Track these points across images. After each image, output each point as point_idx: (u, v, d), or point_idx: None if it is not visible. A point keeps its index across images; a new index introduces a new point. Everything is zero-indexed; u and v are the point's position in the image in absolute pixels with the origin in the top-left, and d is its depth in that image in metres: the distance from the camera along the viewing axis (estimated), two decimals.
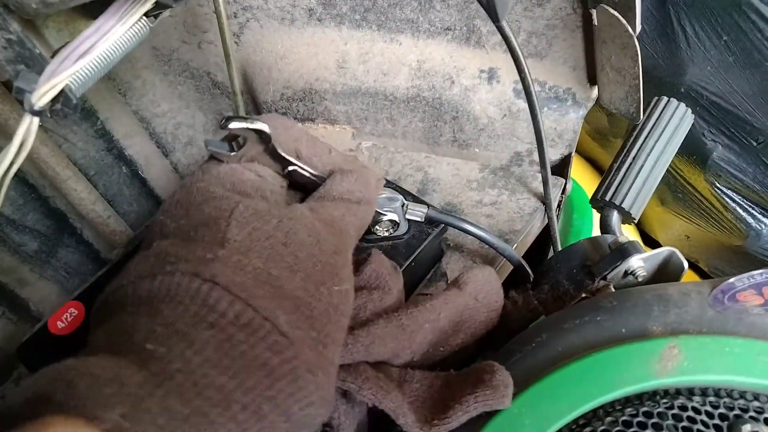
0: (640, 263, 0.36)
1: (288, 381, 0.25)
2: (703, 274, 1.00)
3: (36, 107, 0.26)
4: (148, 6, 0.28)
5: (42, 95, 0.26)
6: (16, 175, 0.55)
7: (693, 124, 0.82)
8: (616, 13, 0.41)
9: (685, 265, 0.35)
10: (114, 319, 0.26)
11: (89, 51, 0.27)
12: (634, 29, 0.41)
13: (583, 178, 1.00)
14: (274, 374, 0.25)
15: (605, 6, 0.42)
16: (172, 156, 0.64)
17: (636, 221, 0.49)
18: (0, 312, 0.54)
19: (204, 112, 0.63)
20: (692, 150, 0.83)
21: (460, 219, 0.42)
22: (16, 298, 0.56)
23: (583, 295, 0.37)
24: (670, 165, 0.86)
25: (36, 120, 0.27)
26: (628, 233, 1.04)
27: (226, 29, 0.50)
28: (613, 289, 0.36)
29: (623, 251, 0.36)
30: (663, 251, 0.36)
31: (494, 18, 0.20)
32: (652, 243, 1.05)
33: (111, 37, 0.27)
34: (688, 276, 1.02)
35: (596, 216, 0.49)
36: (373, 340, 0.33)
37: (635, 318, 0.31)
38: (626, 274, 0.36)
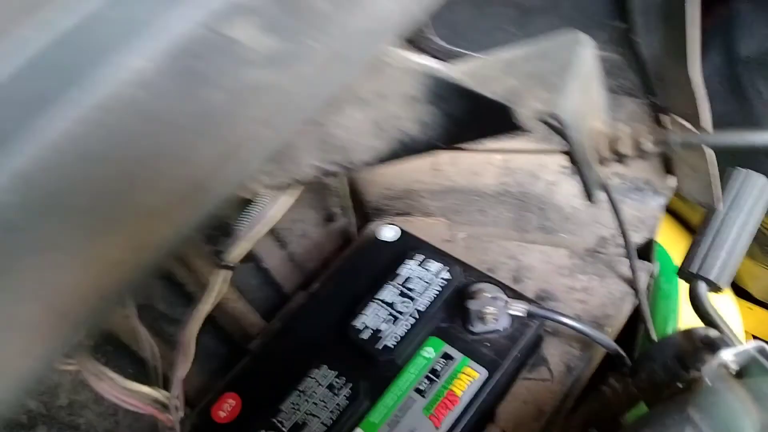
0: (731, 357, 0.39)
1: None
2: None
3: (229, 263, 0.35)
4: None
5: (234, 255, 0.35)
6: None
7: None
8: (686, 123, 0.46)
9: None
10: None
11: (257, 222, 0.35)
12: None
13: (669, 235, 1.01)
14: None
15: (675, 116, 0.47)
16: (288, 247, 0.73)
17: (722, 291, 0.52)
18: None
19: (315, 209, 0.72)
20: None
21: (558, 313, 0.47)
22: (167, 381, 0.66)
23: (679, 384, 0.41)
24: None
25: (229, 273, 0.36)
26: None
27: None
28: (708, 381, 0.40)
29: (713, 346, 0.40)
30: (752, 345, 0.39)
31: (589, 198, 0.26)
32: (743, 294, 1.03)
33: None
34: None
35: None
36: None
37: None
38: (719, 365, 0.40)
